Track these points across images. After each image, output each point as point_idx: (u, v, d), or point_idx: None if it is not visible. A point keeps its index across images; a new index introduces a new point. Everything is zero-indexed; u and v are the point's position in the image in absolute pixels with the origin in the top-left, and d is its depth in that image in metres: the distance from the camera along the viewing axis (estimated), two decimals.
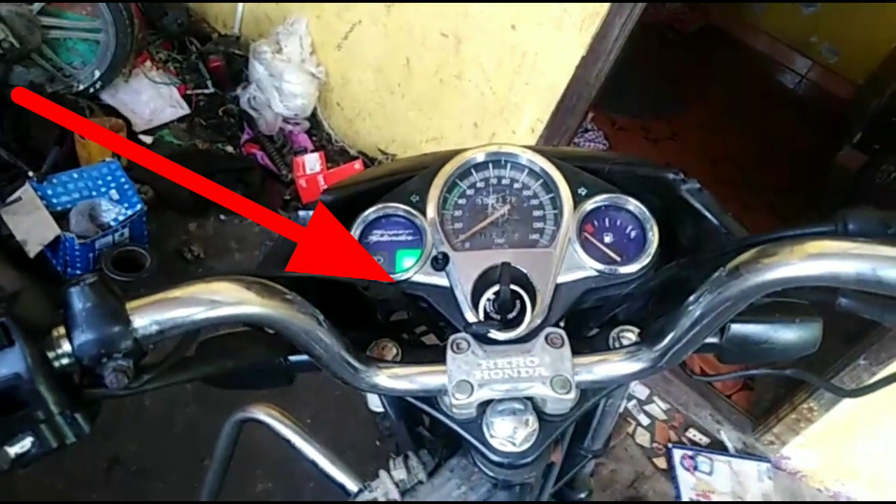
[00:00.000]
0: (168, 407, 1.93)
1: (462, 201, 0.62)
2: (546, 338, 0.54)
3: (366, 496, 0.66)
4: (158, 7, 2.92)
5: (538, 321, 0.55)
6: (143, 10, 2.89)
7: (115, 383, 0.42)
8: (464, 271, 0.57)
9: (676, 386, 2.47)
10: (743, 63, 4.89)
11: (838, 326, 2.09)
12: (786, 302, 0.59)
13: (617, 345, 0.58)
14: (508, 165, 0.63)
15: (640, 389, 2.45)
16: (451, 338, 0.54)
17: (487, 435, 0.54)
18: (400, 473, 0.65)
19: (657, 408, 2.44)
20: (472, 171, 0.63)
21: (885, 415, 2.09)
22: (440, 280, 0.57)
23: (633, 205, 0.59)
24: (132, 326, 0.43)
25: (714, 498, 2.22)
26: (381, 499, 0.66)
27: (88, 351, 0.42)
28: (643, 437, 2.35)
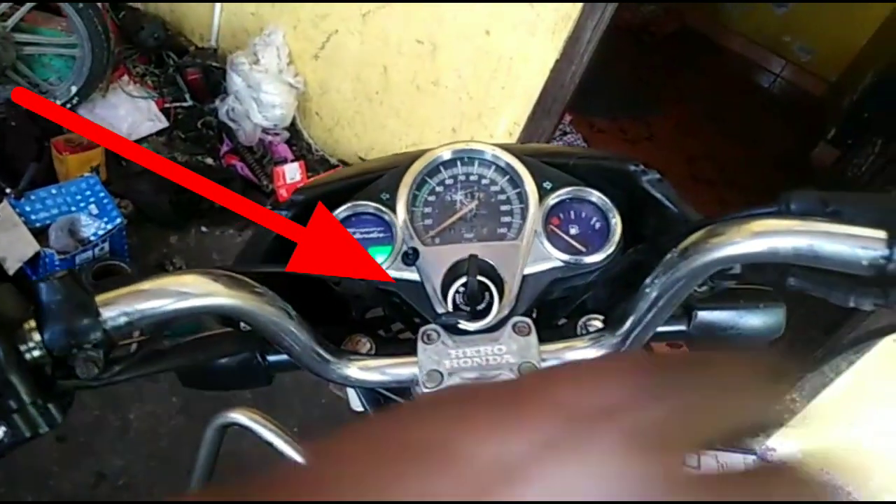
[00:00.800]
0: (153, 421, 1.92)
1: (431, 198, 0.63)
2: (513, 326, 0.55)
3: None
4: (134, 21, 2.93)
5: (506, 311, 0.56)
6: (119, 24, 2.90)
7: (86, 373, 0.44)
8: (433, 265, 0.58)
9: None
10: (719, 64, 4.96)
11: (818, 317, 2.12)
12: (750, 289, 0.61)
13: (584, 332, 0.59)
14: (476, 162, 0.64)
15: None
16: (422, 329, 0.55)
17: None
18: None
19: None
20: (441, 168, 0.64)
21: (868, 403, 2.12)
22: (411, 275, 0.58)
23: (597, 196, 0.61)
24: (101, 318, 0.44)
25: None
26: None
27: (58, 342, 0.43)
28: None
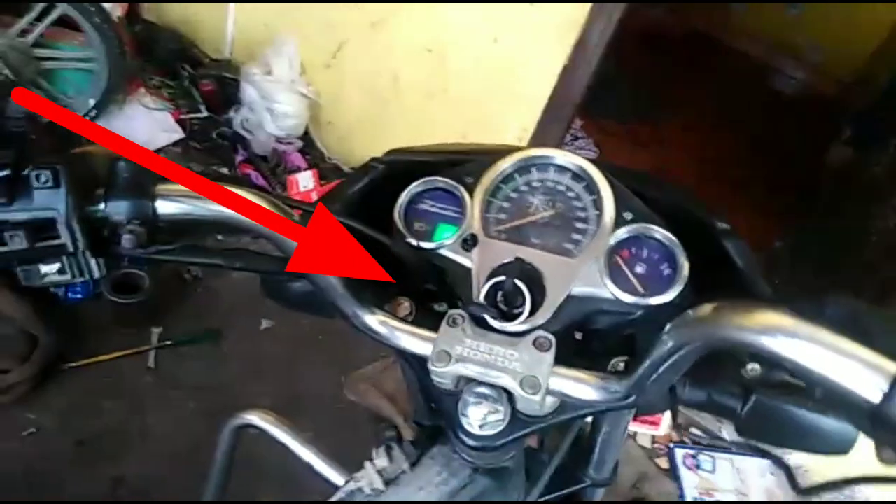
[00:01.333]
0: (172, 425, 1.96)
1: (514, 195, 0.63)
2: (535, 339, 0.55)
3: (351, 486, 0.69)
4: (150, 35, 2.99)
5: (537, 322, 0.56)
6: (135, 38, 2.95)
7: (129, 244, 0.51)
8: (486, 257, 0.59)
9: None
10: (729, 66, 4.94)
11: None
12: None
13: (608, 370, 0.57)
14: (569, 174, 0.64)
15: None
16: (450, 312, 0.57)
17: (461, 414, 0.56)
18: (382, 462, 0.68)
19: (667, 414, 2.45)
20: (533, 169, 0.64)
21: None
22: (465, 260, 0.60)
23: (675, 244, 0.59)
24: (155, 203, 0.53)
25: (717, 496, 2.23)
26: (366, 489, 0.68)
27: (115, 211, 0.52)
28: (644, 438, 2.37)
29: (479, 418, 0.56)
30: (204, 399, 2.03)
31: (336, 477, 0.95)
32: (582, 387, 0.55)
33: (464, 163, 0.64)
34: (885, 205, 2.27)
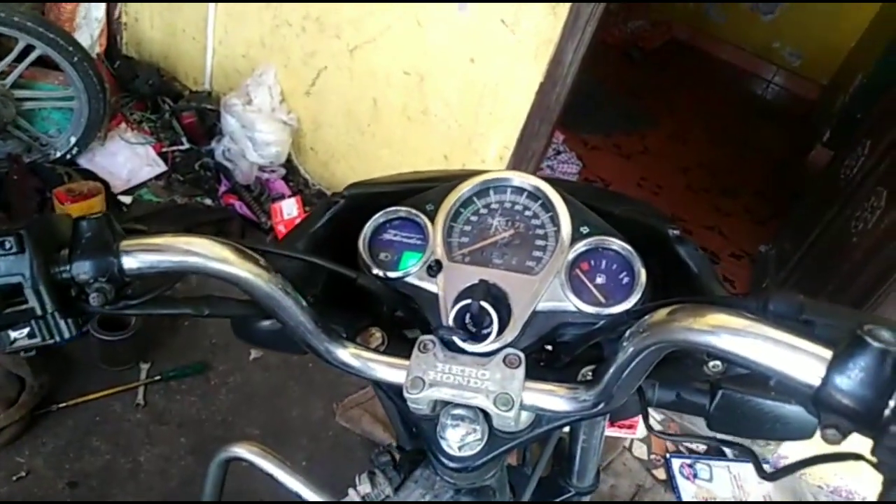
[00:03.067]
0: (163, 462, 1.94)
1: (474, 218, 0.65)
2: (505, 357, 0.56)
3: None
4: (129, 70, 3.01)
5: (505, 341, 0.57)
6: (115, 74, 2.97)
7: (95, 301, 0.52)
8: (452, 281, 0.60)
9: None
10: (709, 74, 5.01)
11: None
12: None
13: (578, 380, 0.59)
14: (524, 193, 0.66)
15: None
16: (420, 338, 0.58)
17: (439, 436, 0.57)
18: (366, 488, 0.68)
19: (652, 419, 2.45)
20: (490, 192, 0.66)
21: None
22: (431, 286, 0.61)
23: (629, 253, 0.61)
24: (119, 260, 0.52)
25: None
26: None
27: (80, 271, 0.52)
28: (640, 450, 2.36)
29: (458, 439, 0.57)
30: (194, 433, 2.01)
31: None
32: (553, 399, 0.56)
33: (423, 191, 0.66)
34: (863, 206, 2.29)
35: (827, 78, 4.66)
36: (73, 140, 2.61)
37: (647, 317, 0.49)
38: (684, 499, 2.22)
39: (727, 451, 2.37)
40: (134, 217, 2.54)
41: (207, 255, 0.53)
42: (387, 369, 0.58)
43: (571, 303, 0.59)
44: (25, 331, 0.52)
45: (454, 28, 2.22)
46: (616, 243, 0.61)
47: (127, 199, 2.71)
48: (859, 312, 0.44)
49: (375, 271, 0.62)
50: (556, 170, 3.43)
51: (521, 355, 0.56)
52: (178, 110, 2.93)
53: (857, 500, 2.30)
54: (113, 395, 2.05)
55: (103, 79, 2.58)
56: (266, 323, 0.63)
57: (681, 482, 2.27)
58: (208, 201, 2.79)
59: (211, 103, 2.92)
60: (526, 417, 0.58)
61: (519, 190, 0.66)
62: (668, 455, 2.35)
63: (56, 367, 2.03)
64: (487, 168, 0.68)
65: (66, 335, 0.54)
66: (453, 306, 0.58)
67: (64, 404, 1.99)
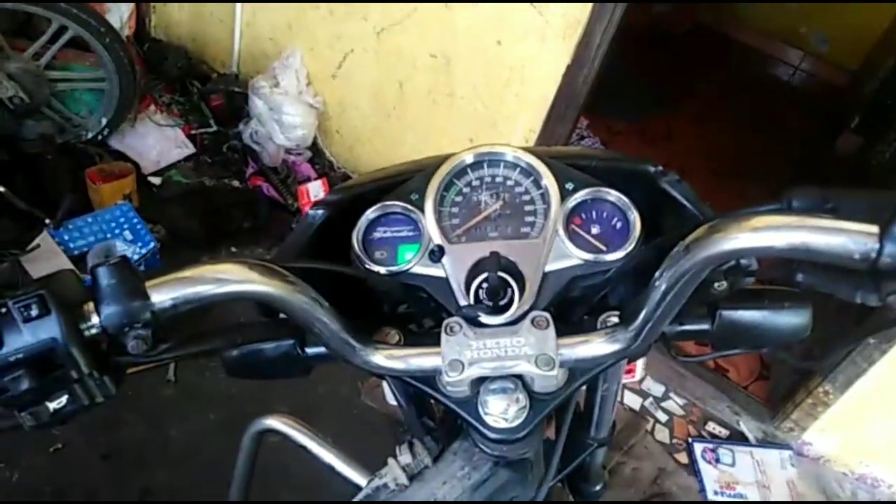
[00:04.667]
0: (194, 437, 1.98)
1: (458, 199, 0.66)
2: (532, 320, 0.58)
3: (375, 483, 0.70)
4: (158, 53, 3.04)
5: (526, 306, 0.59)
6: (144, 56, 3.00)
7: (136, 350, 0.50)
8: (458, 262, 0.61)
9: (692, 381, 2.49)
10: (736, 59, 4.93)
11: (850, 308, 2.10)
12: (776, 289, 0.63)
13: (602, 327, 0.61)
14: (501, 164, 0.67)
15: (655, 387, 2.47)
16: (445, 322, 0.58)
17: (482, 413, 0.59)
18: (406, 458, 0.69)
19: (674, 403, 2.46)
20: (468, 170, 0.67)
21: None
22: (437, 271, 0.62)
23: (616, 197, 0.63)
24: (150, 301, 0.50)
25: (739, 490, 2.23)
26: (391, 485, 0.70)
27: (112, 321, 0.49)
28: (662, 434, 2.37)
29: (502, 411, 0.58)
30: (224, 409, 2.05)
31: (358, 477, 0.96)
32: (591, 346, 0.59)
33: (403, 183, 0.66)
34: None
35: (856, 63, 4.57)
36: (104, 121, 2.65)
37: (683, 240, 0.51)
38: (706, 482, 2.22)
39: (750, 436, 2.37)
40: (165, 199, 2.58)
41: (237, 279, 0.53)
42: (421, 360, 0.59)
43: (576, 256, 0.61)
44: (64, 399, 0.48)
45: (481, 10, 2.21)
46: (604, 191, 0.63)
47: (157, 181, 2.75)
48: (879, 191, 0.46)
49: (376, 269, 0.63)
50: None
51: (548, 315, 0.58)
52: (206, 93, 2.96)
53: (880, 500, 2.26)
54: (144, 372, 2.09)
55: (133, 60, 2.61)
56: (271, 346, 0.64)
57: (703, 466, 2.27)
58: (236, 183, 2.82)
59: (238, 86, 2.94)
60: (562, 375, 0.59)
61: (496, 162, 0.67)
62: (690, 439, 2.35)
63: None
64: None
65: (113, 391, 0.51)
66: (468, 284, 0.59)
67: None
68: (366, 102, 2.74)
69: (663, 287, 0.54)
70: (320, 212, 0.66)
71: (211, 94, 2.94)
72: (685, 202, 0.64)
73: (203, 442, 1.97)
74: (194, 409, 2.05)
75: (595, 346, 0.59)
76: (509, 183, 0.66)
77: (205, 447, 1.95)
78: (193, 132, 2.92)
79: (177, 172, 2.81)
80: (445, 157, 0.68)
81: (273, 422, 1.03)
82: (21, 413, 0.48)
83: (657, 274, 0.54)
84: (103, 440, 1.92)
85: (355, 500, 0.72)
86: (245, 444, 1.05)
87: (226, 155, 2.88)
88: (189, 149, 2.88)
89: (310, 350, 0.65)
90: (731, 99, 4.43)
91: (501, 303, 0.59)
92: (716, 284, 0.61)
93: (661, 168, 0.65)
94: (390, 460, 0.72)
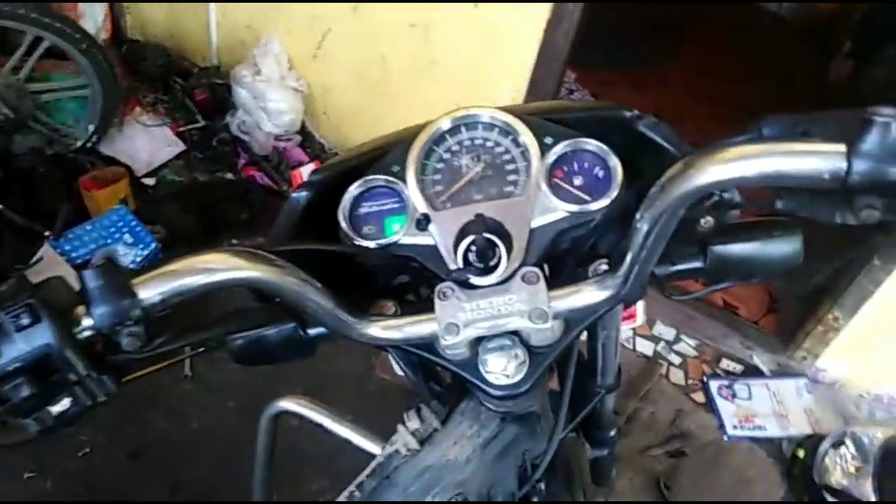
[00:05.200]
0: (215, 427, 2.02)
1: (440, 165, 0.66)
2: (522, 277, 0.58)
3: (387, 450, 0.72)
4: (137, 53, 3.02)
5: (515, 264, 0.59)
6: (123, 58, 2.98)
7: (131, 346, 0.51)
8: (445, 228, 0.61)
9: (702, 321, 2.50)
10: None
11: (853, 234, 2.10)
12: (765, 220, 0.63)
13: (592, 276, 0.62)
14: (479, 126, 0.67)
15: (666, 331, 2.49)
16: (437, 287, 0.59)
17: (483, 372, 0.60)
18: (414, 423, 0.71)
19: (686, 345, 2.47)
20: (447, 136, 0.67)
21: None
22: (425, 240, 0.62)
23: (595, 145, 0.63)
24: (139, 297, 0.51)
25: (757, 422, 2.25)
26: (402, 450, 0.71)
27: (104, 321, 0.50)
28: (677, 377, 2.39)
29: (502, 368, 0.59)
30: (240, 397, 2.08)
31: (375, 448, 0.98)
32: (582, 296, 0.60)
33: (383, 156, 0.66)
34: None
35: None
36: (91, 128, 2.64)
37: (659, 179, 0.52)
38: (724, 418, 2.25)
39: (764, 369, 2.39)
40: (160, 198, 2.58)
41: (223, 268, 0.54)
42: (419, 326, 0.60)
43: (561, 209, 0.61)
44: (66, 401, 0.50)
45: None
46: (582, 141, 0.63)
47: (150, 182, 2.75)
48: (848, 111, 0.47)
49: (365, 244, 0.63)
50: None
51: (537, 270, 0.59)
52: (190, 88, 2.94)
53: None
54: (161, 370, 2.12)
55: (113, 64, 2.60)
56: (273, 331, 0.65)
57: (720, 403, 2.30)
58: (229, 175, 2.82)
59: (221, 78, 2.93)
60: (557, 327, 0.60)
61: (474, 125, 0.67)
62: (705, 378, 2.37)
63: None
64: None
65: (111, 389, 0.52)
66: (456, 248, 0.60)
67: None
68: (349, 80, 2.73)
69: (645, 228, 0.55)
70: (304, 194, 0.66)
71: (194, 89, 2.93)
72: (664, 143, 0.64)
73: (225, 430, 2.00)
74: (213, 400, 2.08)
75: (586, 295, 0.60)
76: (489, 144, 0.66)
77: (227, 435, 1.99)
78: (181, 129, 2.91)
79: (169, 171, 2.82)
80: (423, 126, 0.67)
81: (287, 403, 1.05)
82: (25, 419, 0.50)
83: (637, 216, 0.55)
84: (129, 440, 1.96)
85: (367, 470, 0.73)
86: (262, 428, 1.07)
87: (216, 148, 2.88)
88: (179, 146, 2.88)
89: (311, 331, 0.66)
90: (723, 37, 4.36)
91: (491, 263, 0.60)
92: (702, 221, 0.61)
93: (636, 112, 0.65)
94: (399, 427, 0.73)
